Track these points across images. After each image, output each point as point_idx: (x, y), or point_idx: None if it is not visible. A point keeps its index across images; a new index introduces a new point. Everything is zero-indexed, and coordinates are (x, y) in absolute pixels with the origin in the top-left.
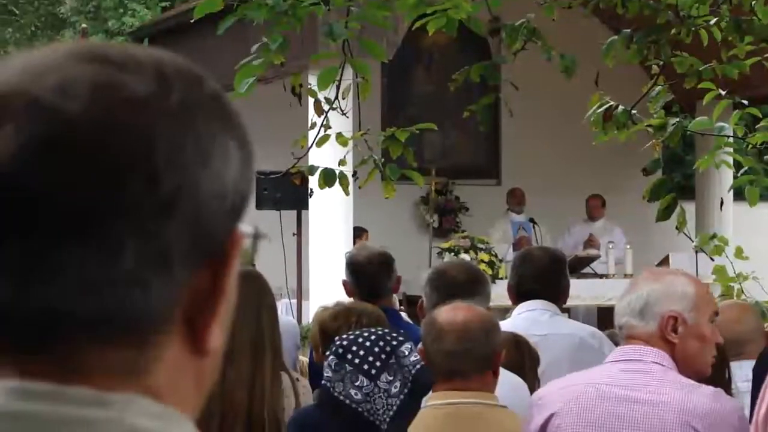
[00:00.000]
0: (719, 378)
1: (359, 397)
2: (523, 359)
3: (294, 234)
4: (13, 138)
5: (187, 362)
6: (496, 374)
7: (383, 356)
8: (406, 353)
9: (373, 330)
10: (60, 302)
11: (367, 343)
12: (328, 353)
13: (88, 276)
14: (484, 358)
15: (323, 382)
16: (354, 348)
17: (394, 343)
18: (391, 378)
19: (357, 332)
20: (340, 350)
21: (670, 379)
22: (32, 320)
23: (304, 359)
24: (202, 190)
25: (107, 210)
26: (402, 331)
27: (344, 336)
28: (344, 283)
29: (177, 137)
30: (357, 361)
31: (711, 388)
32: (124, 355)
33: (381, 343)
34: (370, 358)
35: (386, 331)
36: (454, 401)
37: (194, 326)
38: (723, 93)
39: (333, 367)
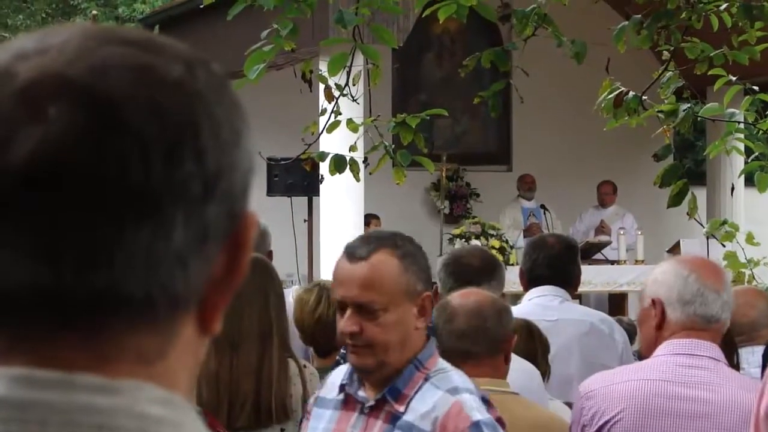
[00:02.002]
0: (728, 363)
1: None
2: (535, 345)
3: (305, 220)
4: (61, 121)
5: (193, 343)
6: (507, 360)
7: None
8: None
9: None
10: (120, 285)
11: None
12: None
13: (146, 256)
14: (496, 340)
15: (338, 357)
16: None
17: None
18: None
19: None
20: None
21: (728, 375)
22: (84, 304)
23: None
24: (236, 168)
25: (164, 189)
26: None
27: None
28: None
29: (214, 117)
30: None
31: (755, 380)
32: (152, 339)
33: None
34: None
35: None
36: None
37: (206, 306)
38: (733, 79)
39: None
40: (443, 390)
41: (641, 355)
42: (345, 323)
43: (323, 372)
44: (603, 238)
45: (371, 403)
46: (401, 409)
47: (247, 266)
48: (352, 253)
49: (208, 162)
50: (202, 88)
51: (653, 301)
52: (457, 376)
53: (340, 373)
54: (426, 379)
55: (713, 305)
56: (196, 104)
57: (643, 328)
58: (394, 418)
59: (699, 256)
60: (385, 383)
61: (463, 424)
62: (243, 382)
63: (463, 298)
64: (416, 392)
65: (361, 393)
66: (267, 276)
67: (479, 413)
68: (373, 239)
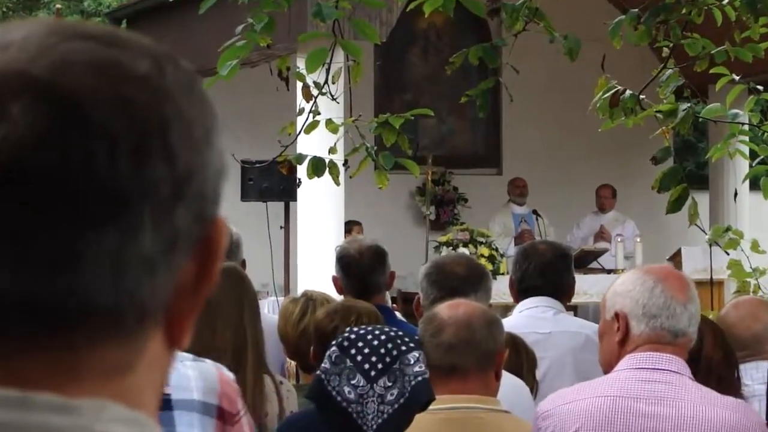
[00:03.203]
0: (729, 379)
1: (351, 396)
2: (522, 360)
3: (281, 227)
4: (23, 119)
5: (161, 357)
6: (498, 376)
7: (388, 359)
8: (412, 362)
9: (386, 329)
10: (85, 292)
11: (375, 342)
12: (332, 343)
13: (113, 261)
14: (486, 354)
15: (318, 372)
16: (360, 344)
17: (403, 348)
18: (390, 384)
19: (369, 328)
20: (345, 343)
21: (690, 389)
22: (46, 314)
23: (294, 362)
24: (207, 169)
25: (132, 189)
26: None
27: (354, 329)
28: (334, 280)
29: (184, 114)
30: (359, 358)
31: (733, 399)
32: (116, 352)
33: (389, 345)
34: (374, 359)
35: (400, 333)
36: (452, 406)
37: (174, 317)
38: (737, 77)
39: (333, 359)
40: (189, 360)
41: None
42: None
43: (304, 389)
44: (601, 245)
45: None
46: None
47: (218, 275)
48: None
49: (178, 161)
50: (171, 85)
51: (616, 315)
52: None
53: None
54: None
55: (681, 318)
56: (164, 101)
57: (604, 342)
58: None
59: (664, 266)
60: None
61: None
62: None
63: (451, 309)
64: None
65: None
66: (241, 286)
67: None
68: None
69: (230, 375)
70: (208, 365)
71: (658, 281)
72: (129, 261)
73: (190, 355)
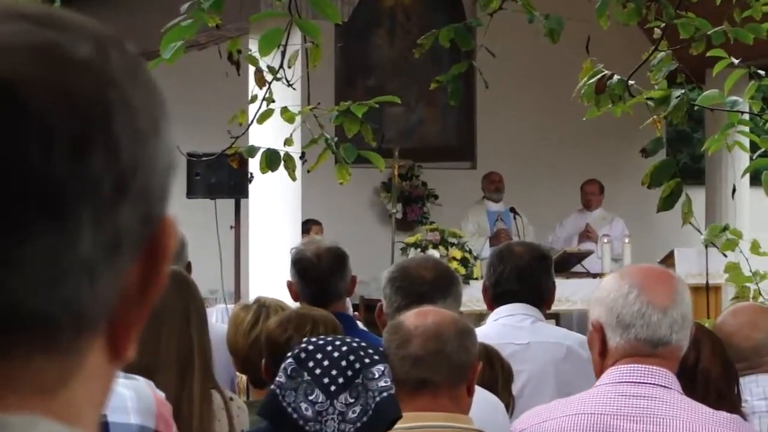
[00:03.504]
0: (728, 394)
1: (309, 413)
2: (496, 374)
3: (231, 227)
4: None
5: (102, 371)
6: (471, 391)
7: (349, 373)
8: (376, 376)
9: (348, 339)
10: (16, 300)
11: (335, 354)
12: (288, 355)
13: (47, 266)
14: (458, 367)
15: (272, 387)
16: (319, 356)
17: (367, 360)
18: (352, 400)
19: (329, 338)
20: (302, 355)
21: (679, 404)
22: None
23: (244, 376)
24: (154, 164)
25: (70, 185)
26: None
27: (312, 339)
28: (289, 285)
29: (129, 103)
30: (318, 371)
31: (726, 414)
32: (53, 364)
33: (351, 358)
34: (334, 372)
35: (362, 344)
36: (420, 424)
37: (117, 326)
38: (736, 61)
39: (289, 372)
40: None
41: None
42: None
43: (257, 406)
44: (585, 246)
45: None
46: None
47: (165, 280)
48: None
49: (122, 155)
50: (115, 71)
51: (593, 325)
52: None
53: None
54: None
55: (659, 327)
56: (107, 88)
57: (592, 356)
58: None
59: (647, 266)
60: None
61: None
62: None
63: (418, 317)
64: None
65: None
66: (187, 293)
67: None
68: None
69: (161, 394)
70: (141, 383)
71: (633, 285)
72: (66, 265)
73: (120, 372)
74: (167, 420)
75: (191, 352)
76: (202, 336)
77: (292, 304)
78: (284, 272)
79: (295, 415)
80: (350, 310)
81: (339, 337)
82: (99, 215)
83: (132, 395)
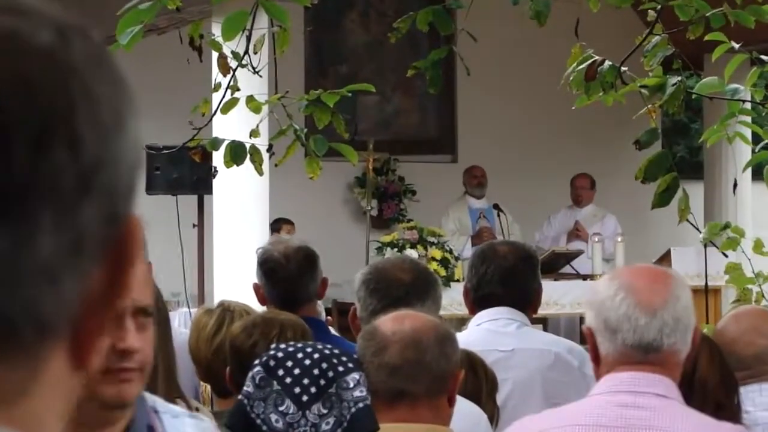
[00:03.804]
0: (727, 404)
1: (280, 425)
2: (480, 383)
3: (194, 225)
4: None
5: (64, 379)
6: (452, 402)
7: (322, 382)
8: (351, 385)
9: (320, 346)
10: None
11: (307, 362)
12: (256, 363)
13: (4, 268)
14: (438, 377)
15: (240, 397)
16: (289, 363)
17: (341, 368)
18: (325, 411)
19: (300, 345)
20: (272, 363)
21: (678, 414)
22: None
23: (208, 385)
24: (119, 160)
25: (29, 182)
26: (354, 355)
27: (282, 346)
28: (255, 287)
29: (93, 96)
30: (288, 380)
31: (729, 425)
32: (10, 373)
33: (324, 366)
34: (305, 381)
35: (336, 351)
36: None
37: (81, 334)
38: (736, 46)
39: (257, 381)
40: (173, 416)
41: None
42: (129, 339)
43: (223, 417)
44: (575, 245)
45: None
46: None
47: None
48: None
49: (84, 151)
50: (78, 60)
51: (585, 331)
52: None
53: None
54: (156, 411)
55: (647, 330)
56: (69, 79)
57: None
58: None
59: (642, 266)
60: (114, 425)
61: None
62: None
63: (395, 323)
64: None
65: None
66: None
67: None
68: None
69: None
70: (208, 423)
71: (621, 287)
72: (24, 268)
73: (185, 411)
74: None
75: (154, 360)
76: (166, 343)
77: (259, 308)
78: (251, 274)
79: (264, 427)
80: (322, 315)
81: (310, 343)
82: (59, 215)
83: None
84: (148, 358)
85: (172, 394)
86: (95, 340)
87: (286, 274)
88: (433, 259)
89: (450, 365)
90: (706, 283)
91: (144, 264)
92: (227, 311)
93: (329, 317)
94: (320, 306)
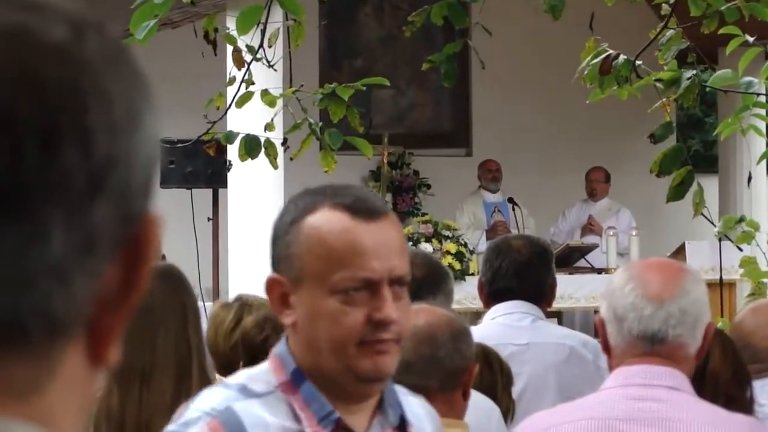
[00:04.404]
0: (739, 397)
1: None
2: (495, 377)
3: (209, 219)
4: None
5: (81, 375)
6: (466, 396)
7: None
8: None
9: None
10: None
11: None
12: None
13: (15, 268)
14: (453, 371)
15: None
16: None
17: None
18: None
19: None
20: None
21: (690, 406)
22: None
23: (222, 378)
24: (133, 158)
25: (39, 182)
26: None
27: None
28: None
29: (106, 93)
30: None
31: (742, 416)
32: (24, 370)
33: None
34: None
35: None
36: None
37: (96, 331)
38: (751, 39)
39: None
40: (403, 394)
41: None
42: (387, 309)
43: None
44: (589, 239)
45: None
46: (412, 430)
47: (147, 282)
48: (367, 208)
49: (96, 149)
50: (92, 57)
51: (597, 322)
52: None
53: (273, 407)
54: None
55: (652, 320)
56: (82, 76)
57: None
58: None
59: (657, 259)
60: (371, 398)
61: None
62: (154, 423)
63: None
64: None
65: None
66: (184, 290)
67: None
68: (359, 190)
69: None
70: (430, 407)
71: (632, 277)
72: (34, 268)
73: (405, 390)
74: None
75: (189, 353)
76: (199, 336)
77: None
78: (266, 268)
79: None
80: None
81: None
82: (69, 214)
83: (424, 413)
84: (405, 329)
85: (206, 387)
86: (111, 338)
87: None
88: (448, 252)
89: (464, 361)
90: (721, 277)
91: (402, 235)
92: (245, 305)
93: None
94: None
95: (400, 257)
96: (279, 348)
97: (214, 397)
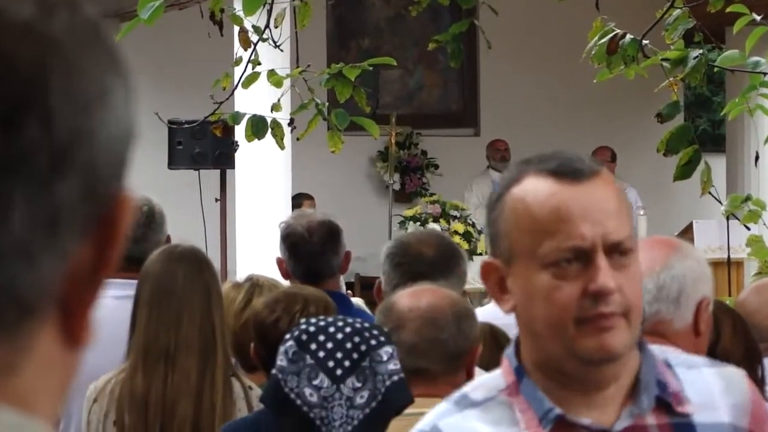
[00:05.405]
0: (750, 375)
1: (314, 399)
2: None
3: (217, 200)
4: None
5: (57, 356)
6: (470, 376)
7: (355, 356)
8: (385, 358)
9: (351, 320)
10: None
11: (339, 336)
12: (288, 337)
13: None
14: (456, 354)
15: (274, 371)
16: (321, 338)
17: (373, 342)
18: (359, 385)
19: (330, 319)
20: (304, 337)
21: None
22: None
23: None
24: (99, 135)
25: None
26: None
27: (312, 320)
28: (279, 262)
29: (70, 70)
30: (321, 354)
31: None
32: None
33: (356, 339)
34: (339, 355)
35: (367, 325)
36: (417, 411)
37: (69, 310)
38: (758, 18)
39: (290, 355)
40: (688, 367)
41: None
42: (601, 278)
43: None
44: None
45: (625, 423)
46: (687, 409)
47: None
48: (573, 169)
49: (59, 126)
50: (59, 33)
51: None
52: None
53: (492, 414)
54: (669, 365)
55: (656, 295)
56: (47, 53)
57: None
58: (677, 428)
59: (656, 237)
60: (610, 384)
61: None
62: (179, 406)
63: (412, 299)
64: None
65: (585, 420)
66: (208, 273)
67: None
68: (566, 152)
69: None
70: (732, 371)
71: None
72: None
73: (704, 359)
74: (763, 420)
75: (213, 336)
76: (223, 319)
77: (287, 283)
78: (274, 248)
79: (298, 401)
80: (343, 289)
81: (341, 317)
82: (32, 192)
83: (722, 387)
84: (633, 302)
85: (229, 371)
86: (85, 317)
87: (310, 248)
88: (456, 232)
89: (468, 343)
90: (729, 256)
91: (620, 195)
92: (255, 286)
93: (349, 291)
94: (341, 280)
95: (618, 220)
96: (509, 347)
97: (428, 414)
